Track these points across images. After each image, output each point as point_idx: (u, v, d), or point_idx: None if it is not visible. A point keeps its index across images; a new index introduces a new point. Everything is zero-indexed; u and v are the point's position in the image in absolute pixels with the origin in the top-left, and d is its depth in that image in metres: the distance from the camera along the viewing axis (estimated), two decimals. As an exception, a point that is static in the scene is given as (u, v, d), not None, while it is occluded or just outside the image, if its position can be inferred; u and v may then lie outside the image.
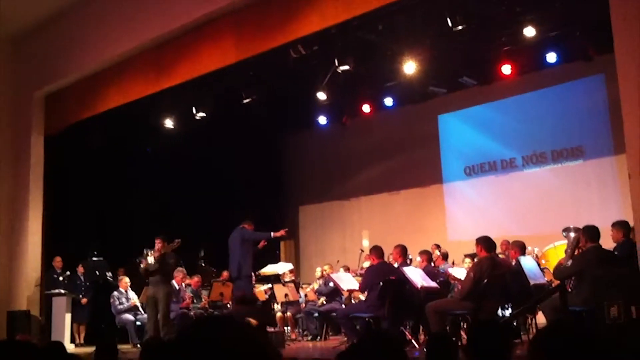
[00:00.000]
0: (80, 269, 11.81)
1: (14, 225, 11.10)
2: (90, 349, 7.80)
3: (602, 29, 7.11)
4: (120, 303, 10.54)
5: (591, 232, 6.68)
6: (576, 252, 6.83)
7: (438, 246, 11.01)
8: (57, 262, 11.54)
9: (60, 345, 4.90)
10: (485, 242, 7.21)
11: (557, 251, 8.92)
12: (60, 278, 11.43)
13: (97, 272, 11.69)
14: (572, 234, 6.96)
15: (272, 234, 9.46)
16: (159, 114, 12.09)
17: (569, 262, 6.71)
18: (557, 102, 12.17)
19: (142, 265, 9.29)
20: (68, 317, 10.82)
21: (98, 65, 10.40)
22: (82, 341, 11.51)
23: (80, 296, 11.57)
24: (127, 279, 10.65)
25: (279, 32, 8.47)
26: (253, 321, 8.43)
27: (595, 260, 6.51)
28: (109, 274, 11.36)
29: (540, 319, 7.79)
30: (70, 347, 10.19)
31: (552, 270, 7.80)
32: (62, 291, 11.02)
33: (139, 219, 12.39)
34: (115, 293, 10.67)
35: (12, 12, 10.60)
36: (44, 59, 11.07)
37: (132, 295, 10.75)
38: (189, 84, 9.81)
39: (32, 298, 10.74)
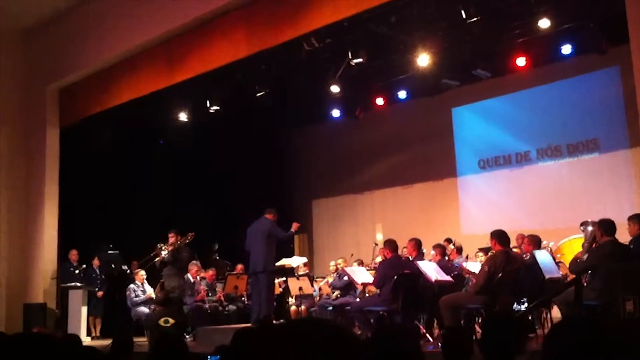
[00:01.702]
0: (96, 262, 11.90)
1: (30, 219, 11.20)
2: (106, 342, 7.86)
3: (617, 21, 7.05)
4: (136, 296, 10.60)
5: (607, 226, 6.64)
6: (592, 246, 6.79)
7: (450, 240, 10.97)
8: (73, 255, 11.63)
9: (76, 338, 4.95)
10: (500, 236, 7.18)
11: (572, 245, 8.87)
12: (76, 271, 11.52)
13: (112, 265, 11.76)
14: (590, 228, 6.92)
15: (292, 231, 9.50)
16: (172, 108, 12.14)
17: (585, 256, 6.68)
18: (572, 95, 12.08)
19: (156, 260, 9.35)
20: (84, 310, 10.91)
21: (110, 59, 10.45)
22: (97, 334, 11.61)
23: (96, 289, 11.66)
24: (142, 272, 10.71)
25: (290, 26, 8.47)
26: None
27: (610, 255, 6.47)
28: (124, 267, 11.43)
29: (556, 313, 7.76)
30: (86, 340, 10.28)
31: (567, 264, 7.76)
32: (78, 284, 11.12)
33: (153, 212, 12.45)
34: (132, 286, 10.74)
35: (26, 6, 10.68)
36: (57, 52, 11.13)
37: (148, 288, 10.81)
38: (202, 78, 9.83)
39: (48, 291, 10.84)
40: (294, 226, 9.45)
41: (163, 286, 9.62)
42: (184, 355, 3.63)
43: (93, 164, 12.03)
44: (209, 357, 4.55)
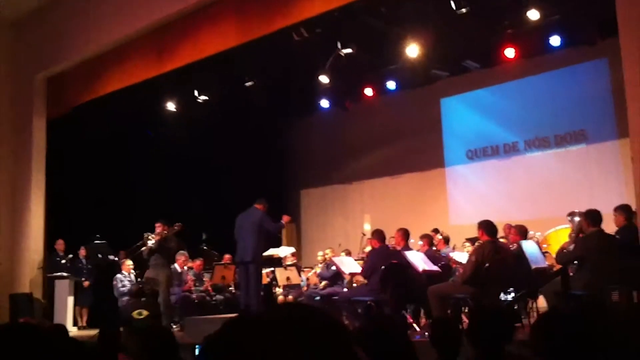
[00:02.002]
0: (82, 252, 11.82)
1: (17, 208, 11.12)
2: (93, 332, 7.83)
3: (606, 13, 7.07)
4: (123, 286, 10.56)
5: (593, 217, 6.68)
6: (579, 237, 6.83)
7: (437, 230, 10.99)
8: (60, 245, 11.56)
9: (63, 328, 4.93)
10: (487, 227, 7.20)
11: (558, 235, 8.92)
12: (63, 261, 11.46)
13: (99, 255, 11.68)
14: (577, 219, 6.96)
15: (282, 223, 9.48)
16: (161, 98, 12.10)
17: (571, 247, 6.72)
18: (561, 86, 12.13)
19: (143, 249, 9.33)
20: (71, 300, 10.86)
21: (99, 48, 10.38)
22: (84, 324, 11.56)
23: (83, 279, 11.59)
24: (130, 262, 10.68)
25: (280, 15, 8.44)
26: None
27: (597, 245, 6.51)
28: (111, 256, 11.36)
29: (541, 303, 7.81)
30: (72, 330, 10.24)
31: (553, 254, 7.81)
32: (65, 274, 11.05)
33: (141, 203, 12.39)
34: (119, 276, 10.69)
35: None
36: (45, 42, 11.04)
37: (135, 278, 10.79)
38: (191, 67, 9.79)
39: (34, 281, 10.79)
40: (285, 218, 9.43)
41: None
42: (174, 348, 3.62)
43: (82, 154, 11.95)
44: (196, 346, 4.56)
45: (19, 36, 11.54)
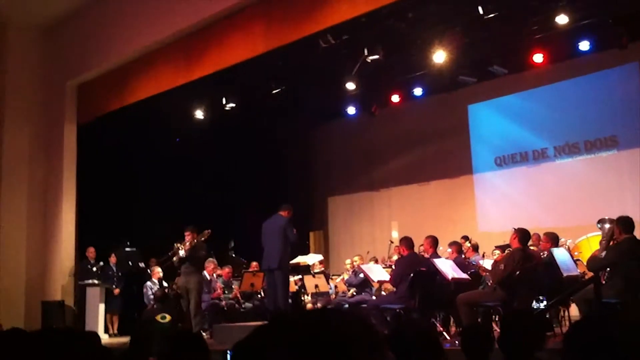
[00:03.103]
0: (113, 259, 11.92)
1: (48, 215, 11.27)
2: (125, 339, 7.91)
3: (636, 16, 6.99)
4: (153, 293, 10.65)
5: (625, 224, 6.59)
6: (610, 244, 6.73)
7: (466, 238, 10.91)
8: (91, 252, 11.65)
9: (94, 335, 4.98)
10: (522, 233, 7.20)
11: (590, 243, 8.81)
12: (94, 268, 11.56)
13: (129, 262, 11.78)
14: (607, 226, 6.86)
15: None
16: (188, 105, 12.18)
17: (603, 254, 6.62)
18: (590, 91, 11.97)
19: (174, 259, 9.39)
20: (102, 307, 10.96)
21: (128, 55, 10.50)
22: (115, 331, 11.66)
23: (114, 287, 11.69)
24: (159, 269, 10.76)
25: (308, 22, 8.47)
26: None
27: (630, 252, 6.42)
28: (141, 264, 11.45)
29: (574, 311, 7.71)
30: (104, 337, 10.33)
31: (585, 262, 7.70)
32: (96, 281, 11.17)
33: (168, 210, 12.48)
34: (148, 283, 10.78)
35: (44, 2, 10.76)
36: (76, 48, 11.20)
37: (165, 285, 10.87)
38: (218, 75, 9.85)
39: (66, 288, 10.91)
40: None
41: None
42: (205, 353, 3.64)
43: (110, 161, 12.08)
44: (228, 352, 4.59)
45: (50, 43, 11.72)
